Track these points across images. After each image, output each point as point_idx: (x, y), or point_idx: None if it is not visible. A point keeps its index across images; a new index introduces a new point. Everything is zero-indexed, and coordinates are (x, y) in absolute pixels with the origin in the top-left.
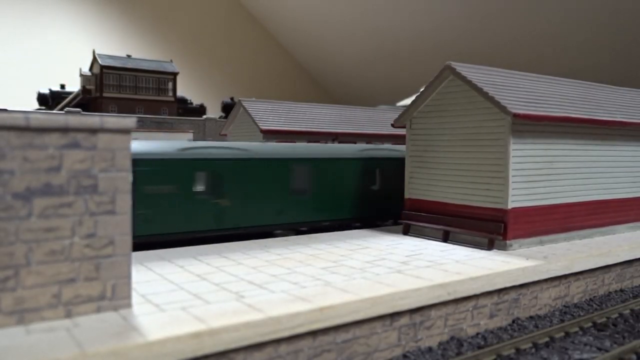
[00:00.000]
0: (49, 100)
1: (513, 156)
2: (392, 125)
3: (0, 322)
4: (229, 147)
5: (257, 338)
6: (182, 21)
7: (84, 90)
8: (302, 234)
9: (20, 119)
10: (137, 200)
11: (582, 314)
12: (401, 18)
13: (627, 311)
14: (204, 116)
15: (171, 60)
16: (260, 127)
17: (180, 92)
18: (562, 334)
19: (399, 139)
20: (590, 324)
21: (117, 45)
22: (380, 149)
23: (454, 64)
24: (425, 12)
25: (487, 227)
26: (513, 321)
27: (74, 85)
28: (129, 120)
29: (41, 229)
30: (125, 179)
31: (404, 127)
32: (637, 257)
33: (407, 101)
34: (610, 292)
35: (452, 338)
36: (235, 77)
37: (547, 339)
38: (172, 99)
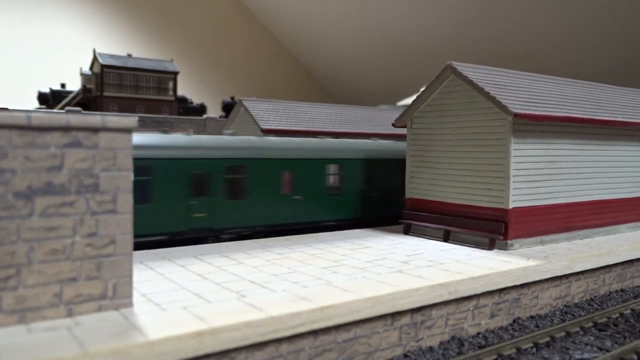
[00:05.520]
0: (49, 99)
1: (514, 156)
2: (393, 124)
3: (1, 321)
4: None
5: (259, 337)
6: (183, 20)
7: (84, 89)
8: None
9: (22, 118)
10: None
11: (583, 313)
12: (401, 16)
13: (628, 311)
14: (205, 115)
15: (172, 60)
16: (261, 126)
17: (180, 92)
18: (563, 333)
19: (399, 139)
20: (591, 324)
21: (118, 44)
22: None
23: (455, 64)
24: (425, 8)
25: (488, 227)
26: (514, 321)
27: (74, 85)
28: (130, 120)
29: (42, 228)
30: (127, 178)
31: (404, 126)
32: (638, 257)
33: (408, 101)
34: (611, 292)
35: (453, 338)
36: (235, 77)
37: (548, 339)
38: (173, 98)
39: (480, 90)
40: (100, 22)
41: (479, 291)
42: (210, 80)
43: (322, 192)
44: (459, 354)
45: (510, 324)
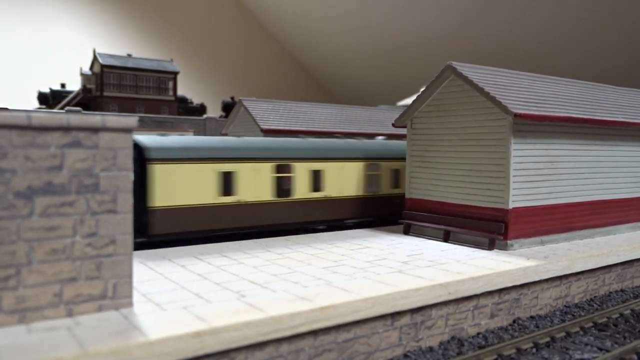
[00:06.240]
0: (49, 99)
1: (514, 156)
2: (393, 124)
3: (1, 321)
4: None
5: (259, 337)
6: (183, 20)
7: (84, 89)
8: None
9: (22, 118)
10: None
11: (582, 314)
12: (401, 16)
13: (628, 311)
14: (205, 115)
15: (172, 60)
16: (261, 126)
17: (180, 92)
18: (563, 334)
19: (399, 139)
20: (591, 324)
21: (118, 44)
22: None
23: (455, 64)
24: (425, 8)
25: (488, 227)
26: (514, 321)
27: (74, 85)
28: (131, 120)
29: (42, 227)
30: (127, 178)
31: (404, 126)
32: (638, 257)
33: (408, 101)
34: (610, 292)
35: (453, 338)
36: (235, 77)
37: (548, 339)
38: (173, 98)
39: (480, 90)
40: (100, 22)
41: (479, 291)
42: (210, 80)
43: None
44: (459, 354)
45: (510, 324)
